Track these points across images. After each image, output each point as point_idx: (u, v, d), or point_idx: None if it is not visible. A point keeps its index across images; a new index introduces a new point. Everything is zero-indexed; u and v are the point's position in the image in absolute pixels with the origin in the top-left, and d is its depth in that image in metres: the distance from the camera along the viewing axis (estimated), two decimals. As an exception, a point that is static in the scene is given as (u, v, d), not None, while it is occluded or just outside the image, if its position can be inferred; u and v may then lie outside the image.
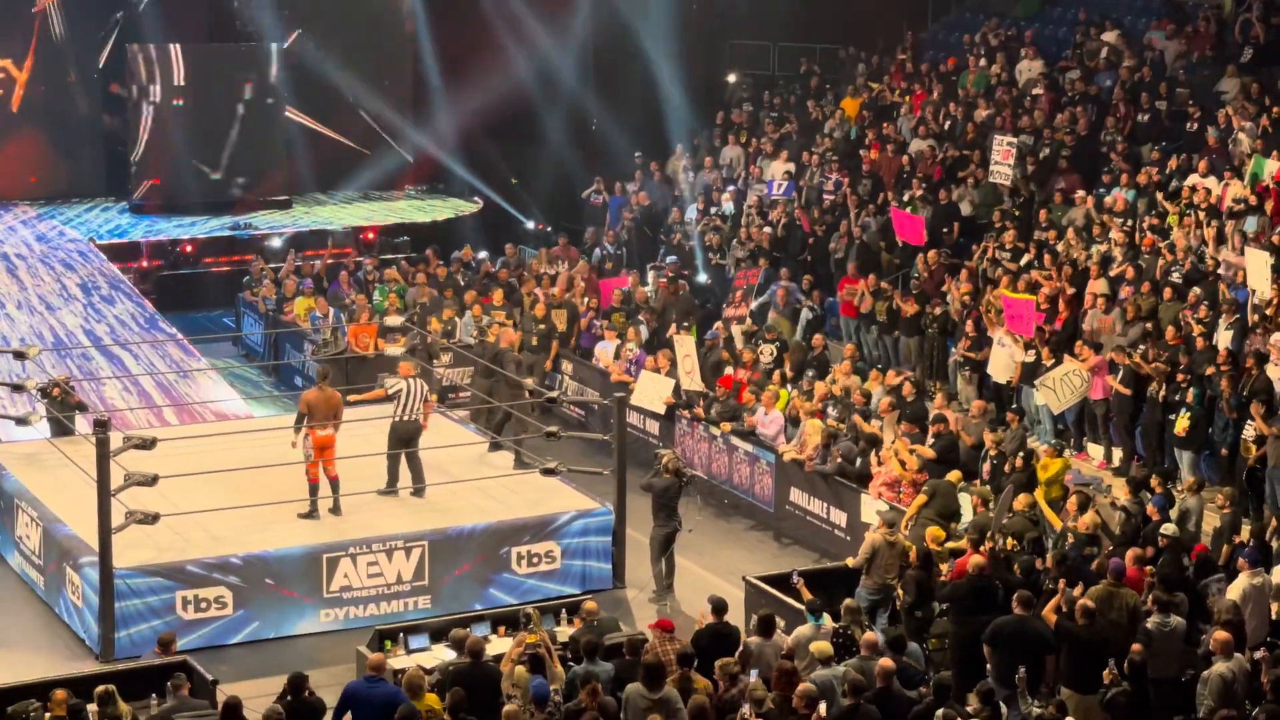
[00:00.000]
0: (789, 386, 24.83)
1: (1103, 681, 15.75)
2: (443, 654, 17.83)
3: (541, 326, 27.84)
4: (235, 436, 22.51)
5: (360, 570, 20.44)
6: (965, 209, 28.67)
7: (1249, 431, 20.90)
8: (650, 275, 30.34)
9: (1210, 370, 21.77)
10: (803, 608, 17.61)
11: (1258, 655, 16.32)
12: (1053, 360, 23.40)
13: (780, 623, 17.73)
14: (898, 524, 19.78)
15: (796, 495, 23.35)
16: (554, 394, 23.92)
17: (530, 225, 36.14)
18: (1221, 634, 15.83)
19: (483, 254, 32.42)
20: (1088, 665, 15.96)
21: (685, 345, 25.47)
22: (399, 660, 17.54)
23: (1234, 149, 26.76)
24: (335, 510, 21.21)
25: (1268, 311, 22.44)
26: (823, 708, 14.83)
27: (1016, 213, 27.67)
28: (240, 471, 20.90)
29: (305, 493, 21.13)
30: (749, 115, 35.29)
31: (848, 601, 17.63)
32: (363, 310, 28.33)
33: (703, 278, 30.61)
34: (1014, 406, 23.71)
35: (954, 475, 20.92)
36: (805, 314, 27.70)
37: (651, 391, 25.59)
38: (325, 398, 21.38)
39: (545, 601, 19.83)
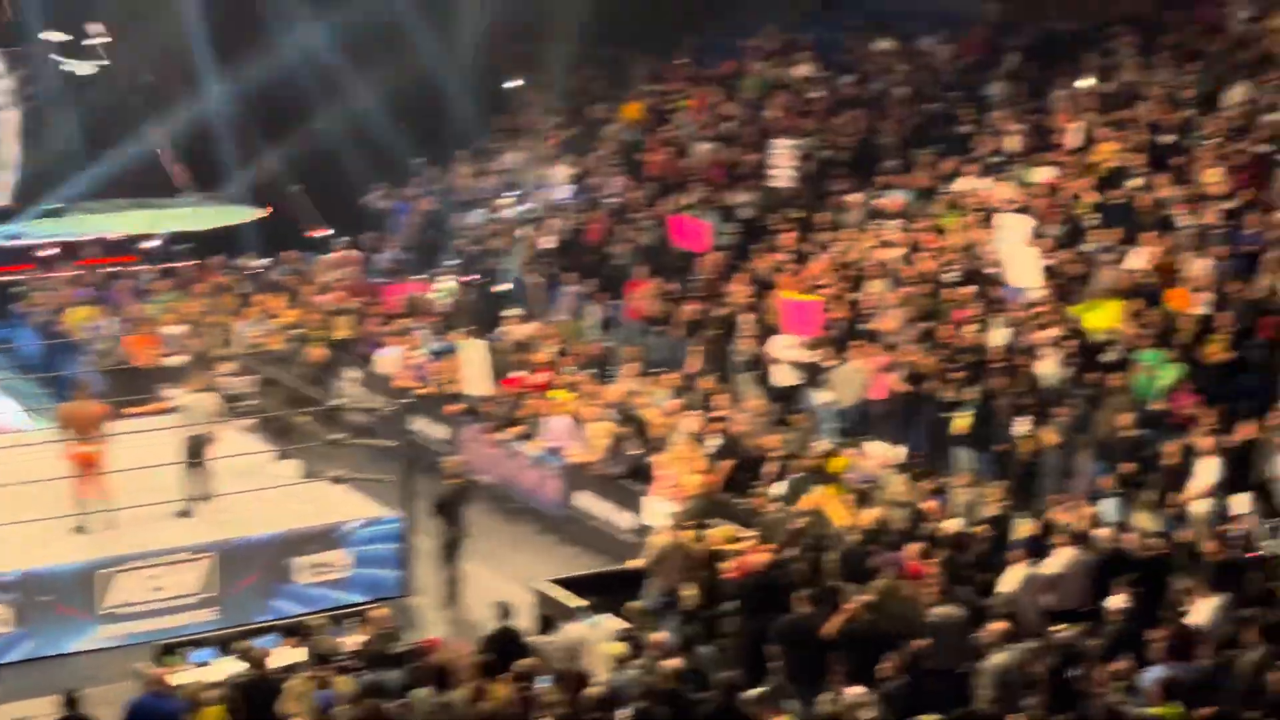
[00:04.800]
0: (572, 390, 24.88)
1: (883, 675, 16.02)
2: (229, 666, 17.55)
3: (303, 331, 27.51)
4: (9, 451, 21.93)
5: (141, 584, 20.04)
6: (746, 211, 28.96)
7: (1022, 427, 21.43)
8: (448, 281, 30.03)
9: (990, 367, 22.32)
10: (581, 606, 17.69)
11: (1032, 645, 16.72)
12: (835, 360, 23.75)
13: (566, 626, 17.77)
14: (684, 525, 19.90)
15: (584, 498, 23.41)
16: (339, 401, 23.68)
17: (312, 232, 35.74)
18: (998, 625, 16.22)
19: (264, 260, 32.00)
20: (869, 660, 16.22)
21: (473, 350, 25.40)
22: (182, 675, 17.23)
23: (1004, 152, 27.44)
24: (105, 526, 20.73)
25: (1038, 309, 23.03)
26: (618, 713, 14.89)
27: (797, 215, 28.06)
28: (15, 486, 20.37)
29: (82, 507, 20.68)
30: (532, 120, 35.32)
31: (635, 603, 17.73)
32: (141, 320, 27.78)
33: (496, 284, 30.51)
34: (798, 406, 24.02)
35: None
36: (595, 317, 27.79)
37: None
38: (82, 410, 20.86)
39: (333, 610, 19.64)
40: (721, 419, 22.69)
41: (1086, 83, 28.23)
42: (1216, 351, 21.28)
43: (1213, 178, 24.23)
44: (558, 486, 23.88)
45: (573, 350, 26.20)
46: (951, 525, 19.23)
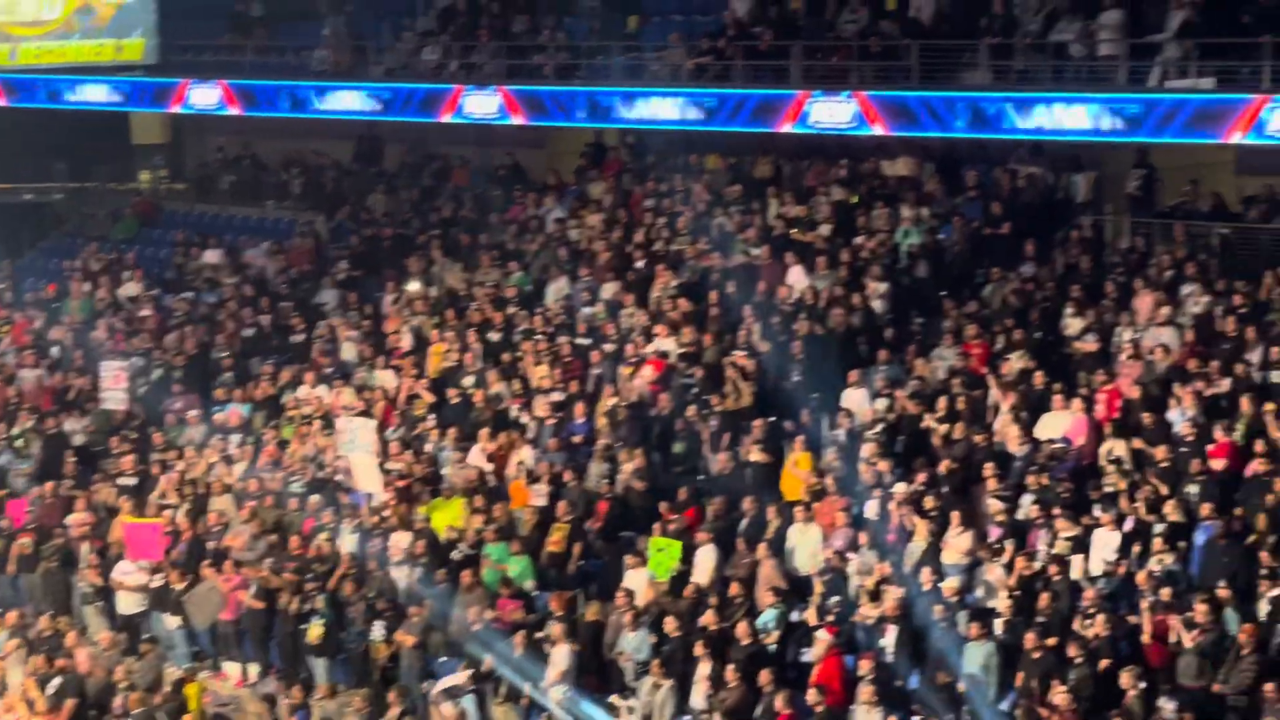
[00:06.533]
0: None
1: None
2: None
3: None
4: None
5: None
6: (79, 438, 27.84)
7: (378, 632, 21.31)
8: None
9: (338, 575, 22.13)
10: None
11: None
12: (184, 582, 23.06)
13: None
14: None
15: (-83, 758, 21.67)
16: None
17: None
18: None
19: None
20: None
21: None
22: None
23: (340, 357, 27.59)
24: None
25: (385, 513, 23.10)
26: None
27: (134, 436, 27.18)
28: None
29: None
30: None
31: None
32: None
33: None
34: (148, 634, 23.10)
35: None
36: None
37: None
38: None
39: None
40: (64, 655, 21.53)
41: (414, 287, 28.82)
42: (559, 541, 21.89)
43: (540, 372, 25.08)
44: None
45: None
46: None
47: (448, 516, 22.83)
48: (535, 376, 25.14)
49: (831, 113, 25.27)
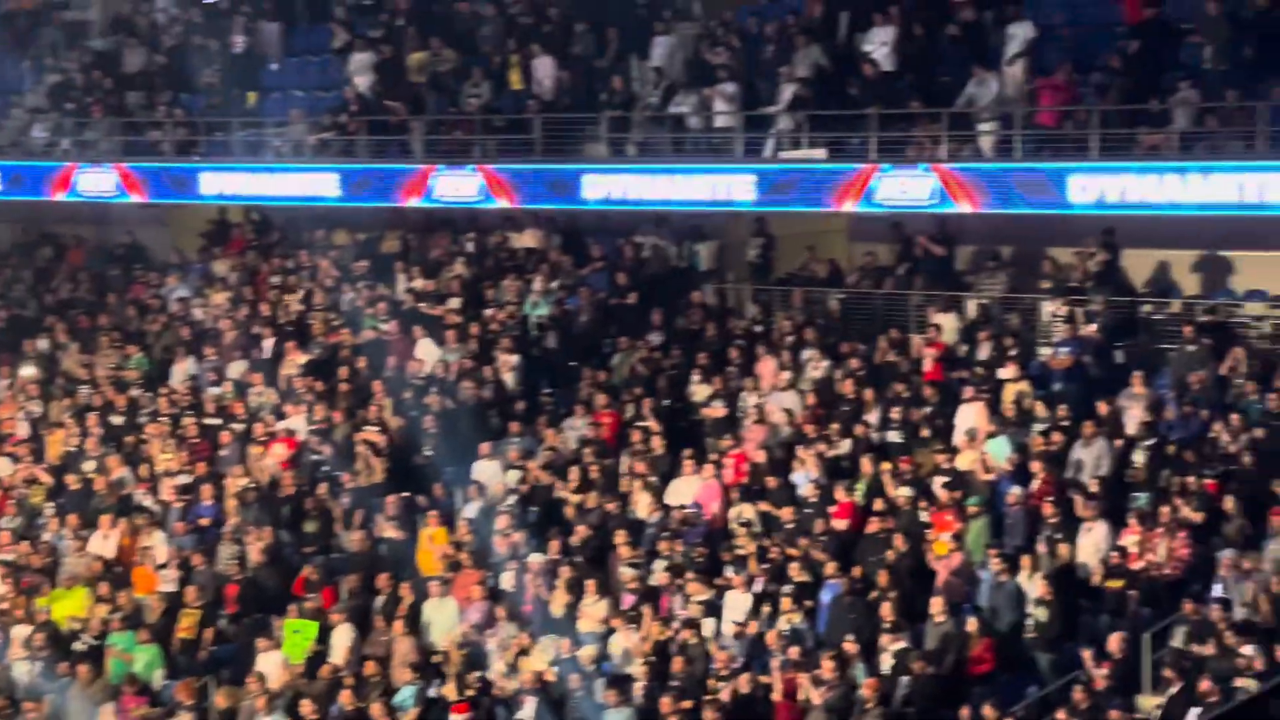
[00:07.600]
0: None
1: None
2: None
3: None
4: None
5: None
6: None
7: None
8: None
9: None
10: None
11: None
12: None
13: None
14: None
15: None
16: None
17: None
18: None
19: None
20: None
21: None
22: None
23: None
24: None
25: (2, 606, 22.17)
26: None
27: None
28: None
29: None
30: None
31: None
32: None
33: None
34: None
35: None
36: None
37: None
38: None
39: None
40: None
41: (28, 371, 27.76)
42: (189, 627, 21.28)
43: (166, 455, 24.40)
44: None
45: None
46: None
47: (69, 607, 21.99)
48: (160, 460, 24.44)
49: (457, 186, 25.39)
